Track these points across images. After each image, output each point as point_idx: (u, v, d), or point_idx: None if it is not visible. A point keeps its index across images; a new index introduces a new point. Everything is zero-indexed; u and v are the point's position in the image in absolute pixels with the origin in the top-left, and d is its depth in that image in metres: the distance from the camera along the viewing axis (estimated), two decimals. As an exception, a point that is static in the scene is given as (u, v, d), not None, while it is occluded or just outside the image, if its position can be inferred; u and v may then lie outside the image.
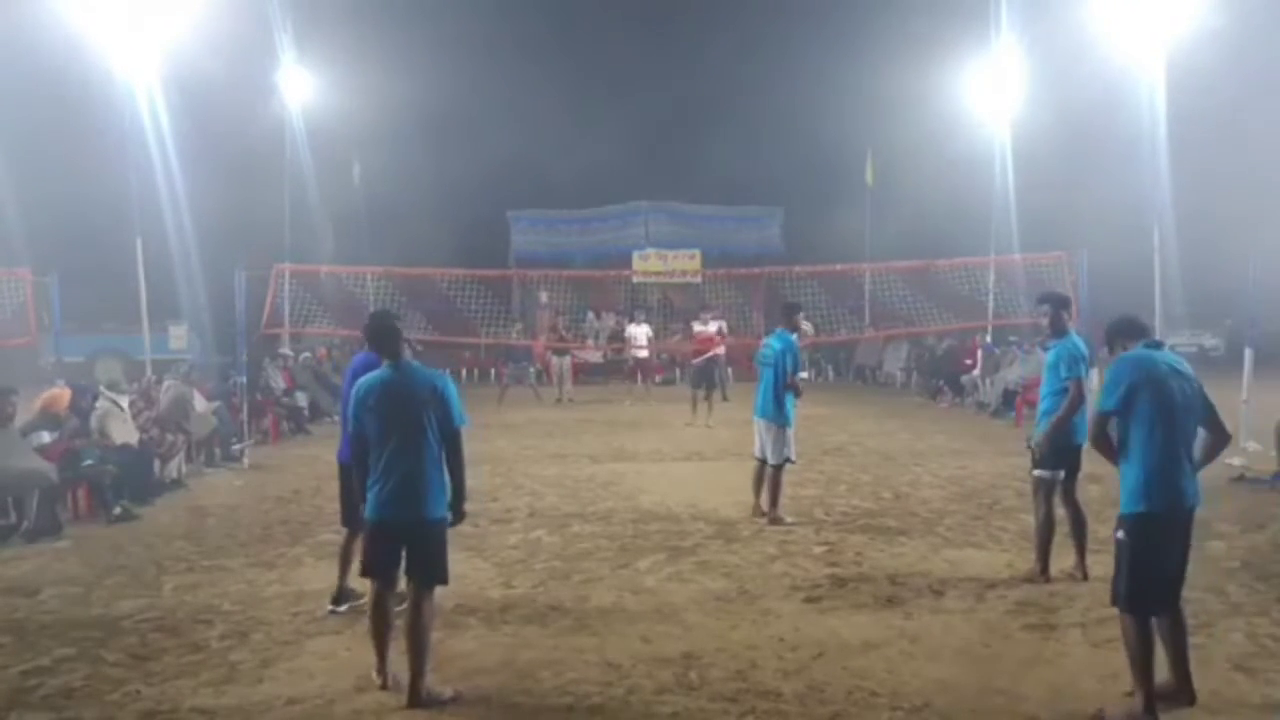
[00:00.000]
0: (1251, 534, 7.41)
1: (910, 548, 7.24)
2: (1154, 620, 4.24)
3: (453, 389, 4.65)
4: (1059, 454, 6.17)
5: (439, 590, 4.65)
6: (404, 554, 4.57)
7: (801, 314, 8.98)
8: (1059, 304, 6.41)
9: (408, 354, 4.78)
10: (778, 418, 8.12)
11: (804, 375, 17.12)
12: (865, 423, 15.15)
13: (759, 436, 8.28)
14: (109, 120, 14.69)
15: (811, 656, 4.99)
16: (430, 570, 4.56)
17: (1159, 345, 4.47)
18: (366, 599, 4.88)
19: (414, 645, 4.46)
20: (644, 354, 19.64)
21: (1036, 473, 6.27)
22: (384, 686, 4.59)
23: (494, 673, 4.81)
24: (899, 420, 15.54)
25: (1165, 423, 4.20)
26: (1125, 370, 4.31)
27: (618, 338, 22.55)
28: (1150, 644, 4.20)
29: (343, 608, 5.74)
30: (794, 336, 8.39)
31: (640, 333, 19.58)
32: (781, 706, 4.39)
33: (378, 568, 4.64)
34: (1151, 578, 4.19)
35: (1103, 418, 4.37)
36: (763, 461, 8.24)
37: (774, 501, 8.15)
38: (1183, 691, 4.30)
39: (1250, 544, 7.10)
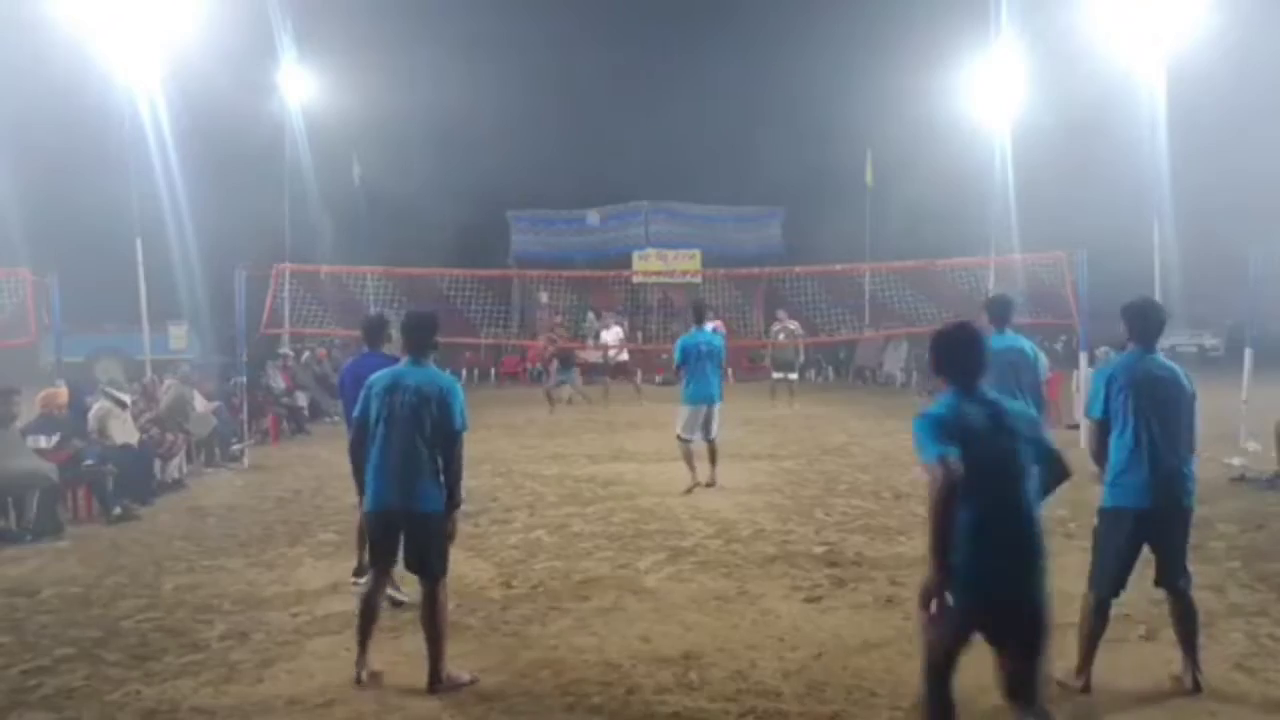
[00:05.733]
0: (1251, 534, 7.41)
1: (910, 548, 7.24)
2: (1168, 607, 4.54)
3: (460, 393, 4.74)
4: None
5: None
6: (402, 547, 4.67)
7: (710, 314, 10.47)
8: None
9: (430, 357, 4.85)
10: (720, 398, 9.63)
11: (794, 376, 17.44)
12: (865, 423, 15.15)
13: (700, 420, 9.48)
14: (109, 120, 14.68)
15: (811, 656, 4.99)
16: (427, 563, 4.65)
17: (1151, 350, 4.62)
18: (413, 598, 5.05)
19: (430, 636, 4.61)
20: (624, 357, 19.59)
21: None
22: (358, 680, 4.64)
23: (494, 673, 4.81)
24: (899, 420, 15.49)
25: (1131, 424, 4.42)
26: (1101, 375, 4.62)
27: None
28: (1095, 624, 4.46)
29: (363, 580, 5.72)
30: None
31: (610, 336, 19.53)
32: (781, 706, 4.39)
33: (377, 553, 4.82)
34: (1103, 565, 4.48)
35: (1096, 425, 4.65)
36: (687, 441, 9.49)
37: (714, 464, 9.56)
38: (1188, 673, 4.41)
39: (1250, 544, 7.11)
